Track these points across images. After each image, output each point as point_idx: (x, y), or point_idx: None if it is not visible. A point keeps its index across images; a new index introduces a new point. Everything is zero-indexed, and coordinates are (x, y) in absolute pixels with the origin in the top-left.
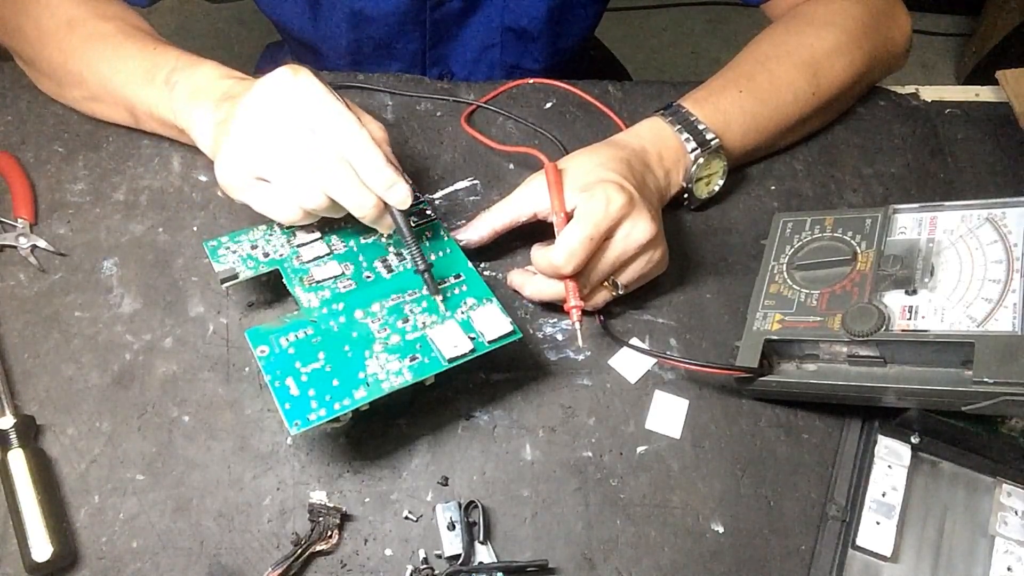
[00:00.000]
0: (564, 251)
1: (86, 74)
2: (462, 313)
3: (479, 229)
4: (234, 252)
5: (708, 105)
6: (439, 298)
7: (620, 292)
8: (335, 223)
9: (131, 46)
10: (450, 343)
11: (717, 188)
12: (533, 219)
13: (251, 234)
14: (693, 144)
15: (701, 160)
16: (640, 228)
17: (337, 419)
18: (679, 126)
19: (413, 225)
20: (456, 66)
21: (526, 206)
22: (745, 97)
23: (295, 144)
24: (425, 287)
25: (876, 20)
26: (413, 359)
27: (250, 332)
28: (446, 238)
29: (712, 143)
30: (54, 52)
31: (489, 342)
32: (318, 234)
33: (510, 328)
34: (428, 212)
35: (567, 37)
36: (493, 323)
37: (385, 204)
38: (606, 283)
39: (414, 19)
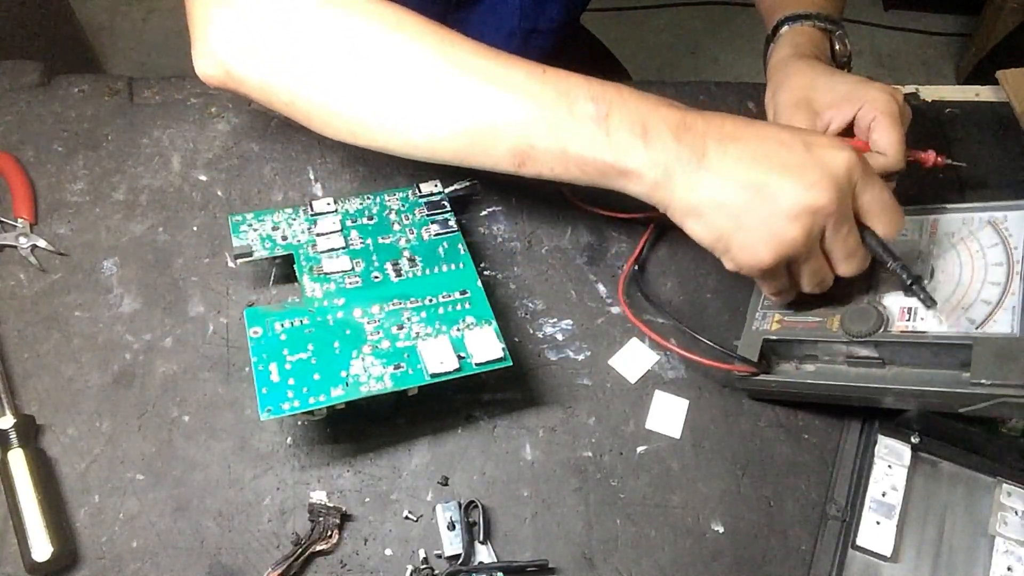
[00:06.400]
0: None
1: (454, 107)
2: (458, 330)
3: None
4: (255, 230)
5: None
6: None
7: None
8: (358, 218)
9: (517, 67)
10: (437, 358)
11: None
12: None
13: (275, 215)
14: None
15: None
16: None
17: (311, 412)
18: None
19: (434, 235)
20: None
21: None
22: None
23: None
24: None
25: None
26: (398, 367)
27: (249, 311)
28: (462, 252)
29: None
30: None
31: (476, 364)
32: (339, 226)
33: (501, 355)
34: (451, 223)
35: None
36: (486, 346)
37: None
38: None
39: None
